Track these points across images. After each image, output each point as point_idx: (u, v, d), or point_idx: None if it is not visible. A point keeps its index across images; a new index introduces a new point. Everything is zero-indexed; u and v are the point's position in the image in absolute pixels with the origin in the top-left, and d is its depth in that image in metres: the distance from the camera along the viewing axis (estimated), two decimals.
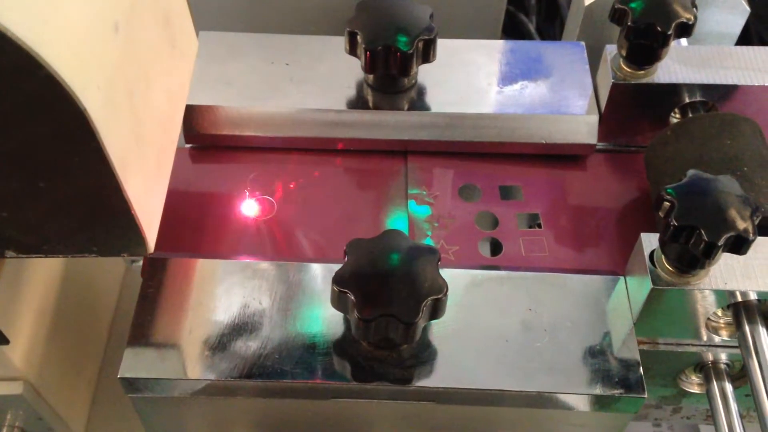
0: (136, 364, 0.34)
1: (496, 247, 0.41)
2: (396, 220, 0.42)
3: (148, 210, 0.31)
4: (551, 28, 0.76)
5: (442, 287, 0.33)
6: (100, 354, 0.48)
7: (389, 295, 0.32)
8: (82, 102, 0.25)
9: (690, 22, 0.38)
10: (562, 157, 0.44)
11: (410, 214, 0.42)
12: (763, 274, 0.34)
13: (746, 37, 0.76)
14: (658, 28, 0.38)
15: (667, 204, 0.32)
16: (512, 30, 0.75)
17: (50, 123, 0.26)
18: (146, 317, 0.35)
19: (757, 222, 0.31)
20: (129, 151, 0.29)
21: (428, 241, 0.41)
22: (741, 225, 0.31)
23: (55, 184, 0.28)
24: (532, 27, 0.75)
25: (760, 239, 0.34)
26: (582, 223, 0.41)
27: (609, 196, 0.42)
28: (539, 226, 0.42)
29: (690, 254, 0.32)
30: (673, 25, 0.38)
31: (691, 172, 0.33)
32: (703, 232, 0.30)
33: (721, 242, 0.30)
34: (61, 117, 0.26)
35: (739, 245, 0.31)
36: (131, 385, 0.34)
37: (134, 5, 0.30)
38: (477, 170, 0.43)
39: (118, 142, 0.28)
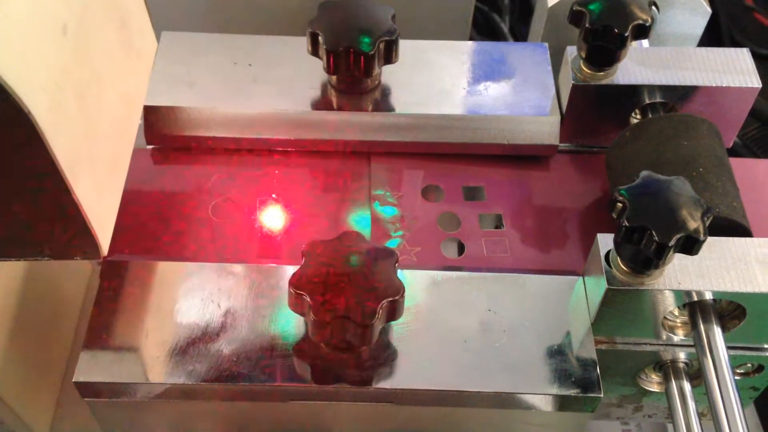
0: (91, 367, 0.34)
1: (459, 248, 0.41)
2: (359, 221, 0.42)
3: (101, 213, 0.31)
4: (525, 28, 0.77)
5: (398, 289, 0.33)
6: (65, 357, 0.48)
7: (345, 297, 0.32)
8: (26, 105, 0.25)
9: (647, 24, 0.38)
10: (525, 157, 0.44)
11: (374, 215, 0.42)
12: (716, 273, 0.34)
13: (718, 37, 0.76)
14: (616, 30, 0.38)
15: (619, 205, 0.32)
16: (486, 30, 0.75)
17: None
18: (103, 320, 0.35)
19: (708, 223, 0.31)
20: (79, 154, 0.29)
21: (392, 243, 0.41)
22: (692, 225, 0.31)
23: (3, 187, 0.28)
24: (505, 27, 0.75)
25: (712, 239, 0.34)
26: (544, 223, 0.42)
27: (571, 197, 0.43)
28: (502, 226, 0.42)
29: (643, 255, 0.32)
30: (630, 26, 0.38)
31: (643, 173, 0.33)
32: (654, 232, 0.31)
33: (671, 243, 0.31)
34: (6, 120, 0.25)
35: (690, 246, 0.31)
36: (87, 388, 0.34)
37: (86, 7, 0.30)
38: (440, 171, 0.44)
39: (67, 145, 0.28)
